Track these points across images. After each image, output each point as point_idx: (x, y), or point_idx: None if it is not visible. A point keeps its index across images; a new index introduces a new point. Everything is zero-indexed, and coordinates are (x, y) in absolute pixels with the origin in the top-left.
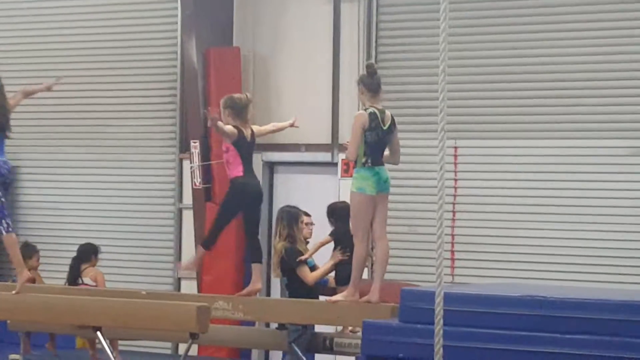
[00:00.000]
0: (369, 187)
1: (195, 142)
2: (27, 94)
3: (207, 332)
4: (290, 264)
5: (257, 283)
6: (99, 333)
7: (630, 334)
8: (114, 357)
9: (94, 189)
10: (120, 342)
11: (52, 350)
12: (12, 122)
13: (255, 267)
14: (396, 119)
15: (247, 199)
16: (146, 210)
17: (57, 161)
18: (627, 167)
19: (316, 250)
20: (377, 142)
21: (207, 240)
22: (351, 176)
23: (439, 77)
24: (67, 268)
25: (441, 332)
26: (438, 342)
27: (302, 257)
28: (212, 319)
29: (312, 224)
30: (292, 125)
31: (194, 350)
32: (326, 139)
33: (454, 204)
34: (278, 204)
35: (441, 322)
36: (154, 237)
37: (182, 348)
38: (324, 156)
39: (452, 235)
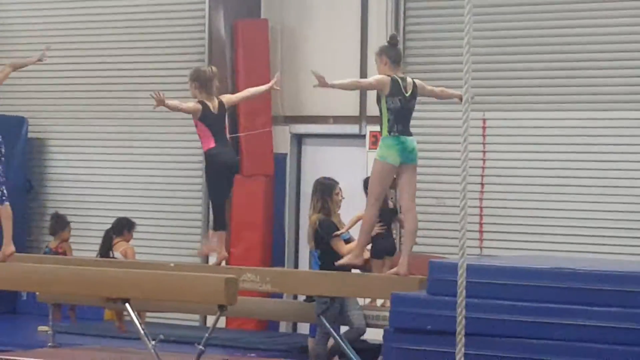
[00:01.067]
0: (392, 157)
1: None
2: (16, 67)
3: (235, 304)
4: (324, 236)
5: (222, 251)
6: (127, 305)
7: None
8: (142, 329)
9: (122, 161)
10: (148, 314)
11: (72, 317)
12: (41, 96)
13: (219, 235)
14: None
15: (223, 168)
16: (174, 183)
17: (85, 134)
18: None
19: (352, 224)
20: (400, 109)
21: (214, 223)
22: None
23: (463, 49)
24: (96, 240)
25: (464, 303)
26: (460, 312)
27: (338, 232)
28: (240, 291)
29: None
30: (272, 88)
31: (222, 322)
32: (354, 111)
33: (482, 176)
34: (306, 176)
35: (464, 293)
36: (182, 210)
37: (210, 320)
38: (352, 128)
39: (480, 208)
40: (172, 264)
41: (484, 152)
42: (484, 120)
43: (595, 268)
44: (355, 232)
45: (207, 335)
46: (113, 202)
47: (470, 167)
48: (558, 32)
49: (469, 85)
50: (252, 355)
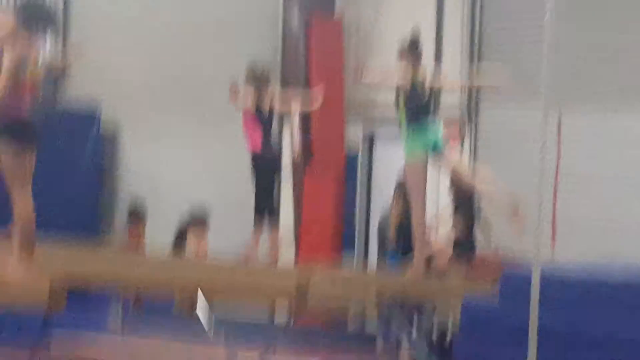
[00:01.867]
0: (414, 154)
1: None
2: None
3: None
4: None
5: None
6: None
7: None
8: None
9: (196, 157)
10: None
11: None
12: (115, 83)
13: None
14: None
15: (264, 171)
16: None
17: (158, 128)
18: None
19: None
20: (418, 106)
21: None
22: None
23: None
24: (169, 231)
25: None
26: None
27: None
28: None
29: None
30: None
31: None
32: None
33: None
34: (377, 176)
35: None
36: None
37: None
38: None
39: (554, 209)
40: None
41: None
42: (560, 122)
43: None
44: None
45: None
46: (185, 194)
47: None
48: None
49: (549, 86)
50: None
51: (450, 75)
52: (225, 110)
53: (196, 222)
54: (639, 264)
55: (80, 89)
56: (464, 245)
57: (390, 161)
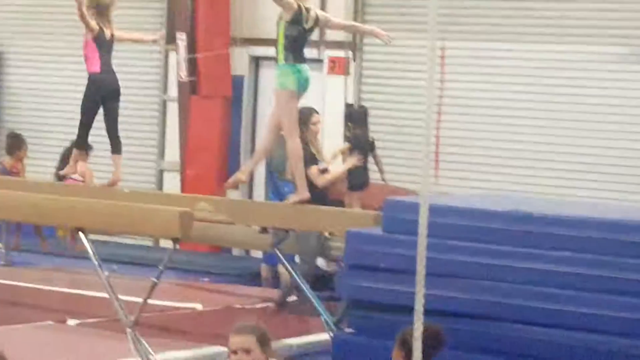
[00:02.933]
0: (291, 84)
1: (181, 35)
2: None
3: (189, 237)
4: None
5: (117, 174)
6: (81, 234)
7: (614, 252)
8: (96, 260)
9: (79, 77)
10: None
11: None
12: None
13: (114, 158)
14: (384, 18)
15: (103, 94)
16: (131, 101)
17: (42, 48)
18: (618, 74)
19: (335, 157)
20: (297, 38)
21: (77, 141)
22: (338, 74)
23: None
24: (51, 157)
25: (425, 242)
26: (421, 252)
27: (321, 167)
28: (195, 219)
29: (319, 122)
30: (153, 42)
31: None
32: (313, 35)
33: (439, 105)
34: (263, 99)
35: (425, 232)
36: (137, 129)
37: (163, 241)
38: (311, 52)
39: (437, 137)
40: (126, 190)
41: (442, 82)
42: (443, 49)
43: (553, 212)
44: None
45: (161, 267)
46: (70, 118)
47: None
48: None
49: (435, 12)
50: (205, 279)
51: (337, 6)
52: None
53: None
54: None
55: None
56: (358, 174)
57: None
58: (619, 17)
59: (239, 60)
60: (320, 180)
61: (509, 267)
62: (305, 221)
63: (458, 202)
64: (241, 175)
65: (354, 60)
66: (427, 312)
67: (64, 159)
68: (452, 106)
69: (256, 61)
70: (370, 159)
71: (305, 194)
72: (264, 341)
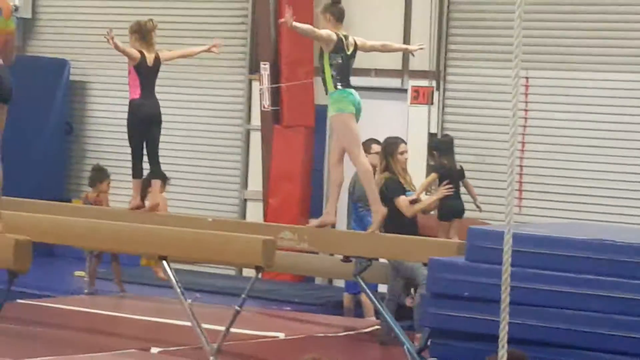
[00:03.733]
0: (348, 107)
1: (265, 64)
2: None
3: (272, 266)
4: (389, 196)
5: (156, 198)
6: (164, 262)
7: None
8: (179, 288)
9: (164, 107)
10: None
11: (117, 276)
12: (84, 39)
13: (154, 183)
14: (468, 47)
15: (143, 120)
16: (214, 131)
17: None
18: None
19: (424, 189)
20: (342, 65)
21: (133, 169)
22: (421, 103)
23: (515, 6)
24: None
25: (509, 271)
26: (506, 281)
27: (410, 197)
28: (278, 248)
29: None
30: (209, 51)
31: None
32: (396, 64)
33: (523, 134)
34: None
35: (509, 261)
36: (221, 158)
37: (246, 270)
38: (394, 82)
39: (521, 167)
40: (210, 219)
41: (526, 111)
42: (527, 79)
43: (635, 241)
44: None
45: (243, 295)
46: None
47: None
48: None
49: (520, 43)
50: (287, 308)
51: (420, 36)
52: (196, 62)
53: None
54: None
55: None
56: (450, 204)
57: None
58: None
59: (322, 90)
60: (410, 211)
61: (593, 295)
62: (389, 250)
63: (541, 231)
64: (328, 217)
65: (437, 90)
66: (510, 341)
67: (142, 191)
68: (536, 135)
69: None
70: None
71: (331, 217)
72: None
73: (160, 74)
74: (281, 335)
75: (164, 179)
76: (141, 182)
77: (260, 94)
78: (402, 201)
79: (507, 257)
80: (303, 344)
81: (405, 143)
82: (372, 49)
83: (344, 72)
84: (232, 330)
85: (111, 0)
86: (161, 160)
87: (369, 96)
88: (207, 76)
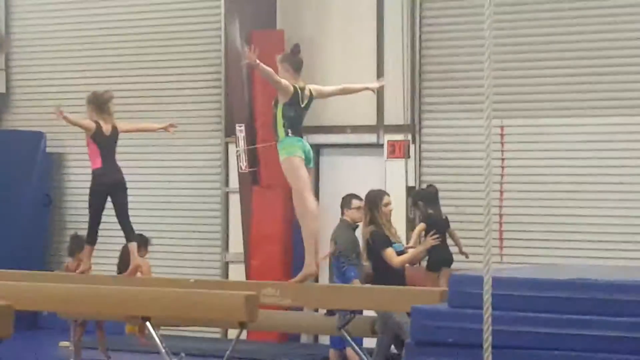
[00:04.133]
0: (298, 152)
1: (240, 126)
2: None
3: (255, 321)
4: (376, 248)
5: (135, 260)
6: (148, 323)
7: None
8: (164, 348)
9: (140, 174)
10: (170, 327)
11: (102, 344)
12: (53, 114)
13: (131, 247)
14: (441, 99)
15: (106, 188)
16: (192, 195)
17: None
18: None
19: (416, 239)
20: (295, 117)
21: (88, 236)
22: (398, 157)
23: (484, 56)
24: (116, 254)
25: (490, 317)
26: (487, 327)
27: (398, 249)
28: (261, 305)
29: (390, 203)
30: (166, 129)
31: (242, 334)
32: (371, 120)
33: (501, 183)
34: (324, 187)
35: (489, 307)
36: (200, 222)
37: (231, 332)
38: (370, 138)
39: (500, 215)
40: (192, 280)
41: (503, 159)
42: (502, 127)
43: (616, 278)
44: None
45: (228, 352)
46: (132, 215)
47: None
48: (576, 38)
49: (490, 92)
50: None
51: (393, 90)
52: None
53: (139, 247)
54: (582, 264)
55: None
56: (438, 253)
57: (338, 171)
58: None
59: None
60: (397, 261)
61: (578, 335)
62: (372, 301)
63: (522, 273)
64: (308, 269)
65: (413, 143)
66: None
67: (121, 260)
68: (514, 183)
69: (317, 149)
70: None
71: (313, 268)
72: None
73: (137, 140)
74: None
75: (145, 242)
76: (121, 249)
77: (237, 156)
78: (390, 253)
79: (487, 298)
80: None
81: (389, 195)
82: (331, 94)
83: (295, 123)
84: None
85: (85, 71)
86: (142, 226)
87: (345, 153)
88: (184, 141)
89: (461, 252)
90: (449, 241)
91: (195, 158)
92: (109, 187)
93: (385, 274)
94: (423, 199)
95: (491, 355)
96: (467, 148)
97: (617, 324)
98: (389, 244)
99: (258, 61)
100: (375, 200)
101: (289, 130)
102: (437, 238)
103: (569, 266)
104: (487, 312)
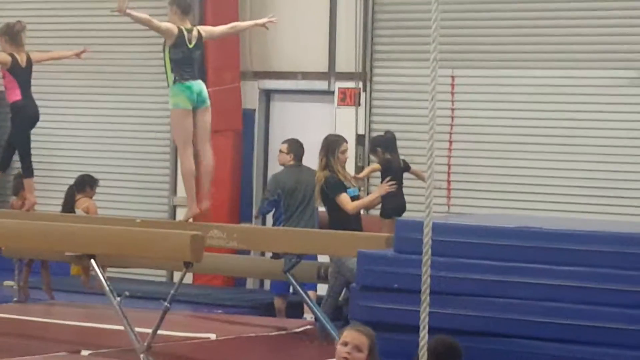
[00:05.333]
0: (183, 102)
1: None
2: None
3: (200, 261)
4: (330, 193)
5: (31, 197)
6: (92, 261)
7: (623, 266)
8: (108, 286)
9: (90, 115)
10: (115, 269)
11: (46, 284)
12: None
13: (26, 182)
14: (393, 48)
15: (30, 120)
16: (142, 138)
17: (50, 87)
18: (625, 98)
19: (367, 174)
20: (183, 58)
21: (25, 169)
22: (348, 105)
23: (432, 5)
24: (61, 196)
25: (429, 262)
26: (426, 272)
27: (359, 175)
28: (207, 248)
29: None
30: (78, 56)
31: (188, 279)
32: (323, 67)
33: (450, 133)
34: (274, 132)
35: (429, 252)
36: (149, 165)
37: (177, 276)
38: (321, 84)
39: (449, 165)
40: (138, 220)
41: (453, 109)
42: (453, 77)
43: (561, 227)
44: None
45: (172, 292)
46: (78, 156)
47: (438, 125)
48: None
49: (437, 42)
50: (219, 311)
51: (346, 38)
52: (120, 70)
53: (84, 187)
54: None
55: None
56: (392, 200)
57: (288, 117)
58: (627, 42)
59: (250, 94)
60: (351, 207)
61: (521, 283)
62: (317, 245)
63: (467, 221)
64: (192, 211)
65: (364, 91)
66: (438, 331)
67: (67, 199)
68: (462, 134)
69: (267, 94)
70: (406, 184)
71: (194, 209)
72: (373, 348)
73: (88, 81)
74: (212, 336)
75: (92, 183)
76: (67, 190)
77: None
78: (344, 198)
79: (427, 244)
80: (235, 344)
81: (347, 142)
82: (222, 34)
83: (184, 66)
84: (164, 332)
85: (38, 9)
86: (90, 167)
87: (295, 99)
88: (134, 83)
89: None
90: (405, 190)
91: (146, 100)
92: (32, 118)
93: (340, 220)
94: (381, 145)
95: (429, 300)
96: (417, 97)
97: (560, 273)
98: (344, 189)
99: (128, 10)
100: (332, 146)
101: (176, 76)
102: (393, 184)
103: (514, 215)
104: (427, 255)
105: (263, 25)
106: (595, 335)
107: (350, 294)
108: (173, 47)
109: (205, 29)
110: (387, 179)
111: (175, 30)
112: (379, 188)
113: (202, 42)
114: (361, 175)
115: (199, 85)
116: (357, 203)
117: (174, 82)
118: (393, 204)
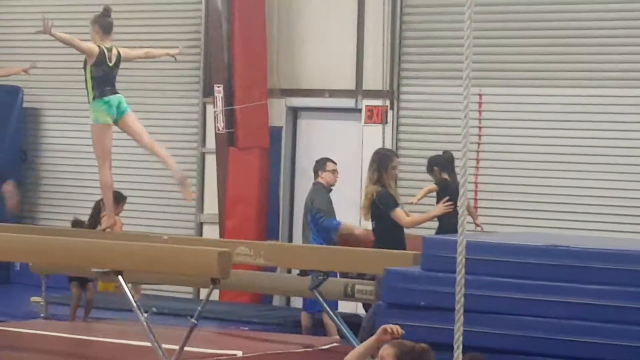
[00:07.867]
0: (102, 117)
1: (219, 87)
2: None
3: (228, 278)
4: (384, 208)
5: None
6: (120, 277)
7: None
8: (135, 301)
9: (118, 131)
10: (142, 286)
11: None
12: (37, 66)
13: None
14: (420, 66)
15: None
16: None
17: (81, 104)
18: None
19: (423, 196)
20: (103, 76)
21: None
22: (375, 122)
23: (464, 24)
24: (89, 212)
25: (463, 280)
26: (459, 290)
27: (414, 200)
28: (234, 265)
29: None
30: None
31: (215, 295)
32: (350, 84)
33: (478, 151)
34: (301, 150)
35: (463, 270)
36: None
37: (203, 293)
38: (348, 102)
39: (476, 184)
40: (165, 236)
41: (480, 127)
42: (480, 95)
43: (589, 246)
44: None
45: (199, 308)
46: None
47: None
48: (557, 8)
49: (469, 60)
50: (245, 328)
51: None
52: (149, 86)
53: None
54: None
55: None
56: (448, 221)
57: (315, 135)
58: None
59: (277, 111)
60: (407, 222)
61: (548, 302)
62: (344, 262)
63: (496, 239)
64: (108, 221)
65: (391, 109)
66: (466, 348)
67: (93, 215)
68: (490, 152)
69: (294, 112)
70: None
71: (111, 220)
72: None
73: None
74: (239, 353)
75: (120, 199)
76: (94, 205)
77: (215, 117)
78: (399, 212)
79: (460, 259)
80: None
81: (398, 157)
82: (136, 57)
83: (105, 83)
84: (190, 349)
85: (62, 27)
86: (118, 184)
87: (323, 117)
88: (162, 100)
89: (475, 224)
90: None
91: (173, 117)
92: None
93: (387, 235)
94: (438, 165)
95: (462, 319)
96: (444, 115)
97: (588, 292)
98: (397, 204)
99: (53, 31)
100: (384, 161)
101: (96, 92)
102: (450, 205)
103: (541, 234)
104: (460, 273)
105: (173, 55)
106: (625, 354)
107: (376, 311)
108: (94, 65)
109: (123, 50)
110: (445, 199)
111: (97, 49)
112: (436, 208)
113: (119, 61)
114: (418, 198)
115: (117, 98)
116: (413, 218)
117: (94, 98)
118: (449, 225)
